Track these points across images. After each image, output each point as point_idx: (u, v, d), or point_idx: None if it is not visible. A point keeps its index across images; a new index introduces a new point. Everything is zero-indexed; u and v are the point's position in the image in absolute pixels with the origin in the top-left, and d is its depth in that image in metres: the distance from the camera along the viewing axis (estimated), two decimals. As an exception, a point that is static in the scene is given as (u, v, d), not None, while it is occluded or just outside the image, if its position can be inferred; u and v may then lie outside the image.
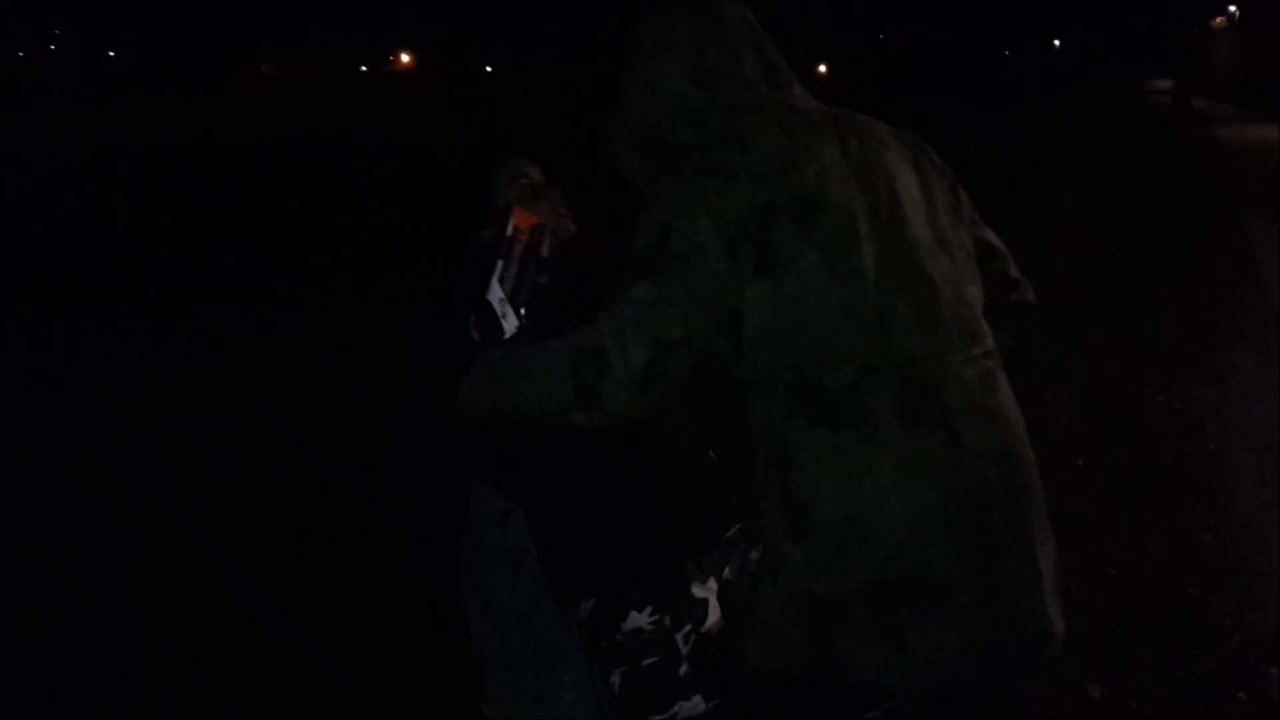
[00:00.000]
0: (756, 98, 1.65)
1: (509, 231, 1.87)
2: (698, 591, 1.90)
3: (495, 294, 1.83)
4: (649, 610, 1.84)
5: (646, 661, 1.83)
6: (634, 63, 1.70)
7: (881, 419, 1.49)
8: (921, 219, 1.60)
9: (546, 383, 1.58)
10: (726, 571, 1.97)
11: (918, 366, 1.51)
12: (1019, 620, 1.52)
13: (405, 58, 61.13)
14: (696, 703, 1.85)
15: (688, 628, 1.87)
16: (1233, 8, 29.01)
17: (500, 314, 1.82)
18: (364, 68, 57.21)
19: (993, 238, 1.80)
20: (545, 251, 1.91)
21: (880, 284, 1.52)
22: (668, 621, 1.85)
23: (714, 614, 1.93)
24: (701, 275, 1.51)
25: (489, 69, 47.63)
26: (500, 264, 1.85)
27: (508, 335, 1.81)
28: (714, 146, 1.58)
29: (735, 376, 1.57)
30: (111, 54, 50.49)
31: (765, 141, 1.56)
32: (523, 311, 1.83)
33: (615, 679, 1.85)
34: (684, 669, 1.85)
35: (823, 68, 41.83)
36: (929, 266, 1.57)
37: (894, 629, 1.48)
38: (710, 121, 1.64)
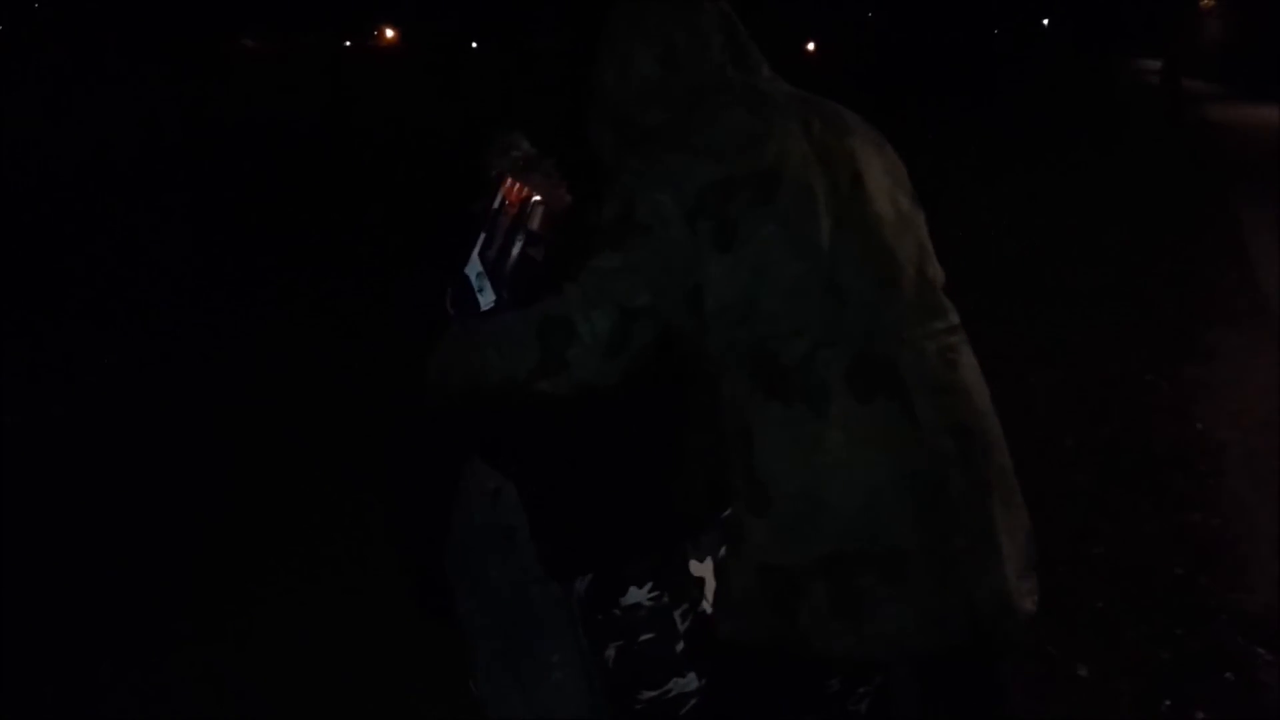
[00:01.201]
0: (723, 79, 1.68)
1: (496, 204, 1.85)
2: (695, 570, 1.89)
3: (474, 268, 1.80)
4: (649, 586, 1.83)
5: (644, 637, 1.83)
6: (608, 45, 1.75)
7: (835, 392, 1.51)
8: (885, 198, 1.64)
9: (513, 350, 1.61)
10: (722, 551, 1.96)
11: (874, 341, 1.54)
12: (977, 595, 1.54)
13: (390, 33, 60.76)
14: (690, 680, 1.85)
15: (685, 605, 1.86)
16: (1221, -13, 29.02)
17: (477, 288, 1.79)
18: (348, 43, 56.85)
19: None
20: (535, 225, 1.88)
21: (838, 259, 1.55)
22: (667, 599, 1.85)
23: (710, 593, 1.92)
24: (664, 244, 1.54)
25: (474, 44, 47.35)
26: (483, 236, 1.82)
27: (484, 309, 1.78)
28: (677, 124, 1.63)
29: (703, 352, 1.60)
30: (94, 35, 50.06)
31: (727, 118, 1.60)
32: (502, 286, 1.80)
33: (610, 653, 1.85)
34: (680, 646, 1.84)
35: (811, 46, 41.75)
36: (891, 243, 1.60)
37: (851, 602, 1.51)
38: (676, 103, 1.67)
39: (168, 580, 3.49)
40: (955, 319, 1.65)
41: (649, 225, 1.54)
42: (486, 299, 1.79)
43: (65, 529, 3.84)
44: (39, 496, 4.08)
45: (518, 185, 1.87)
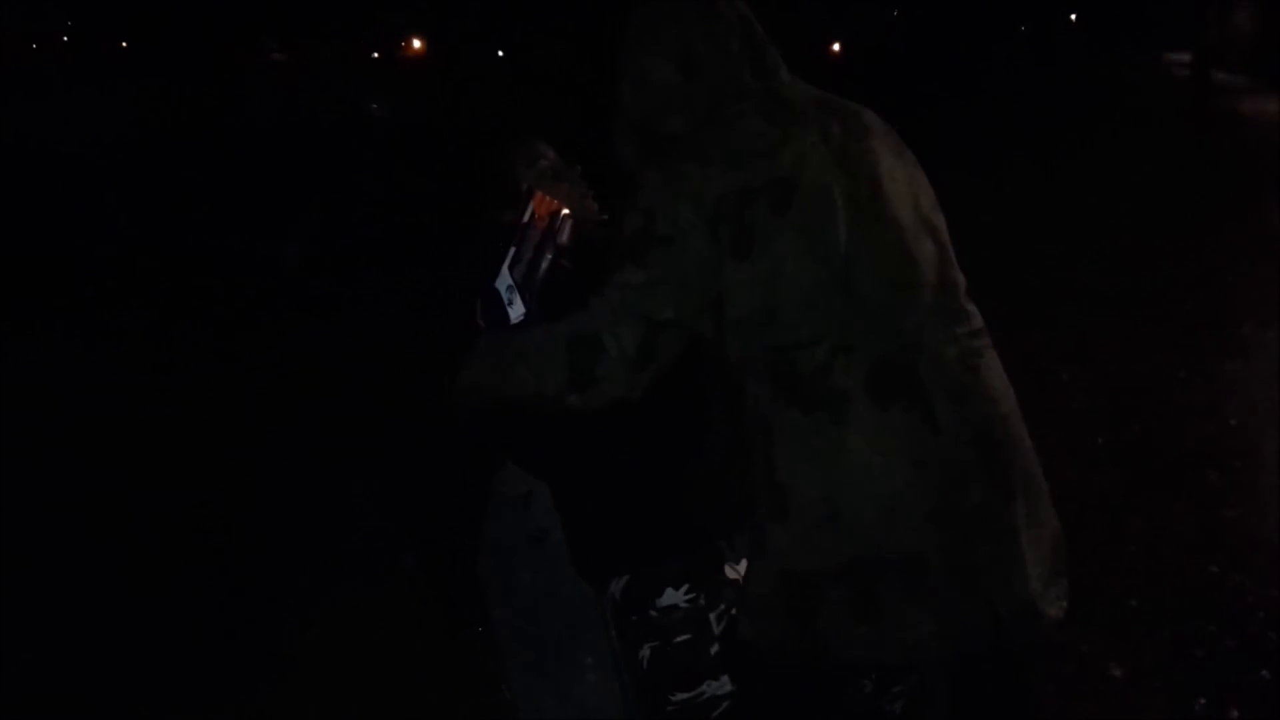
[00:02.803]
0: (741, 86, 1.68)
1: (525, 217, 1.87)
2: (730, 573, 1.90)
3: (504, 281, 1.83)
4: (685, 588, 1.84)
5: (679, 639, 1.84)
6: (627, 56, 1.75)
7: (854, 399, 1.51)
8: (905, 203, 1.63)
9: (542, 366, 1.62)
10: None
11: (893, 346, 1.53)
12: (1000, 602, 1.53)
13: (417, 43, 61.10)
14: (724, 683, 1.85)
15: (721, 608, 1.87)
16: (1252, -22, 28.63)
17: (507, 301, 1.83)
18: (375, 54, 57.21)
19: None
20: (564, 238, 1.90)
21: (856, 264, 1.54)
22: (703, 601, 1.85)
23: None
24: (686, 256, 1.55)
25: (500, 54, 47.49)
26: (512, 250, 1.85)
27: (513, 322, 1.81)
28: (695, 133, 1.63)
29: (725, 359, 1.60)
30: (124, 45, 50.70)
31: (744, 127, 1.60)
32: (531, 299, 1.83)
33: (644, 653, 1.86)
34: (714, 649, 1.85)
35: (836, 46, 41.57)
36: (912, 249, 1.59)
37: (871, 607, 1.51)
38: (696, 110, 1.67)
39: (191, 583, 3.54)
40: (979, 323, 1.64)
41: (670, 237, 1.55)
42: (516, 312, 1.82)
43: (65, 530, 3.90)
44: (39, 497, 4.14)
45: (546, 198, 1.90)
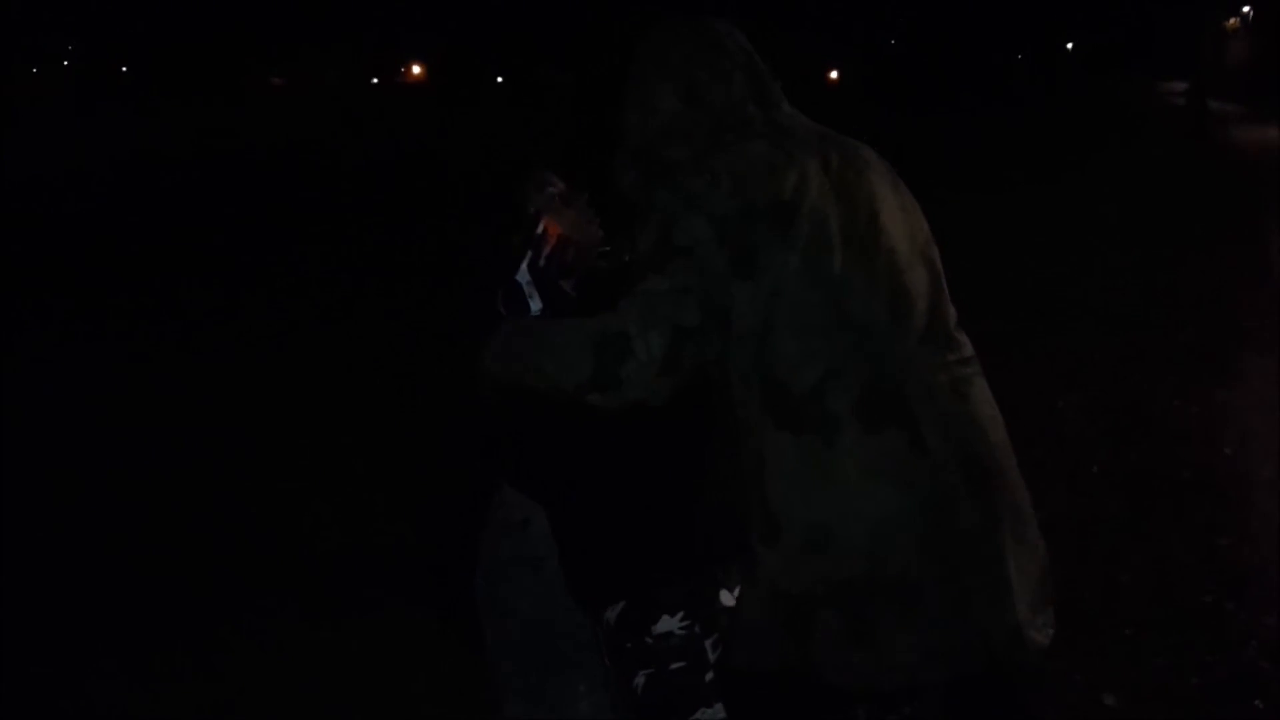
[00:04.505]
0: (744, 115, 1.71)
1: (539, 230, 1.94)
2: (726, 600, 1.90)
3: (524, 276, 1.89)
4: (680, 615, 1.85)
5: (674, 666, 1.84)
6: (633, 85, 1.79)
7: (845, 423, 1.53)
8: (901, 234, 1.66)
9: (567, 361, 1.62)
10: None
11: (884, 372, 1.56)
12: (989, 628, 1.55)
13: (416, 69, 61.40)
14: (718, 710, 1.85)
15: (716, 635, 1.88)
16: (1246, 8, 28.86)
17: (528, 294, 1.89)
18: (375, 79, 57.49)
19: None
20: (569, 259, 1.96)
21: (851, 291, 1.57)
22: (698, 628, 1.86)
23: None
24: (704, 265, 1.56)
25: (500, 79, 47.73)
26: (530, 254, 1.91)
27: (533, 314, 1.88)
28: (699, 158, 1.65)
29: (725, 378, 1.62)
30: (124, 69, 50.94)
31: (748, 150, 1.63)
32: (547, 302, 1.89)
33: (639, 680, 1.86)
34: (709, 676, 1.86)
35: (834, 74, 41.82)
36: (905, 278, 1.62)
37: (863, 631, 1.53)
38: (698, 138, 1.70)
39: (192, 591, 3.54)
40: (969, 351, 1.66)
41: (689, 247, 1.57)
42: (535, 305, 1.88)
43: (66, 531, 3.90)
44: (39, 499, 4.15)
45: (553, 223, 1.95)
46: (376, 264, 8.68)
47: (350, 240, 10.15)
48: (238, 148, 20.17)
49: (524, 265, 1.90)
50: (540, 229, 1.94)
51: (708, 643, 1.86)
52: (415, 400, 4.88)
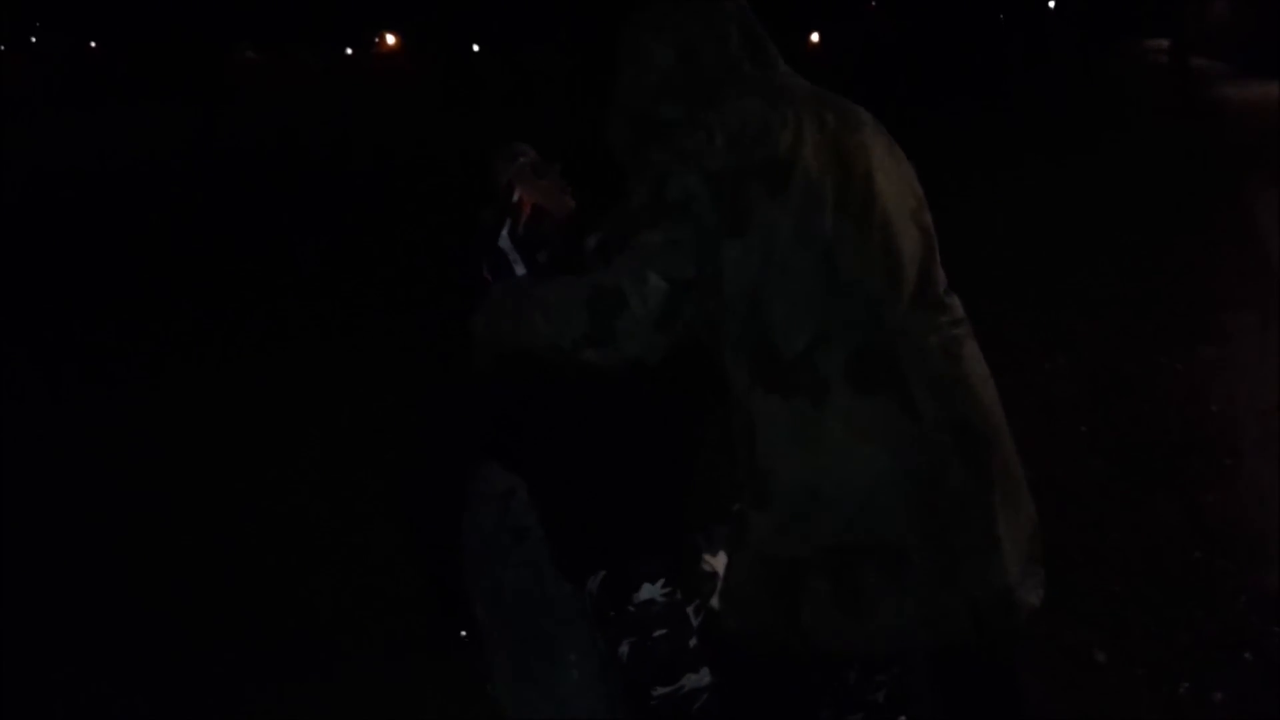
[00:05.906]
0: (740, 74, 1.69)
1: (515, 199, 1.94)
2: (709, 564, 1.90)
3: (505, 242, 1.90)
4: (662, 582, 1.85)
5: (657, 633, 1.85)
6: (628, 43, 1.76)
7: (835, 386, 1.52)
8: (893, 196, 1.64)
9: (562, 317, 1.61)
10: None
11: (875, 334, 1.55)
12: (978, 591, 1.54)
13: (390, 39, 60.72)
14: (703, 675, 1.86)
15: (698, 601, 1.88)
16: (1228, -35, 28.76)
17: (512, 259, 1.89)
18: (349, 50, 56.93)
19: None
20: (546, 228, 1.96)
21: (842, 252, 1.55)
22: (680, 595, 1.86)
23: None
24: (699, 219, 1.55)
25: (475, 48, 47.25)
26: (509, 221, 1.92)
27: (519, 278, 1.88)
28: (694, 114, 1.63)
29: (714, 341, 1.61)
30: (93, 44, 50.21)
31: (744, 107, 1.61)
32: (529, 267, 1.90)
33: (624, 649, 1.86)
34: (693, 642, 1.86)
35: (815, 37, 41.61)
36: (898, 240, 1.61)
37: (852, 595, 1.52)
38: (693, 96, 1.68)
39: (180, 590, 3.52)
40: (960, 313, 1.66)
41: (683, 202, 1.55)
42: (520, 270, 1.89)
43: (66, 533, 3.87)
44: (39, 502, 4.11)
45: (526, 193, 1.94)
46: (376, 264, 8.59)
47: (350, 241, 10.04)
48: (225, 143, 19.76)
49: (504, 232, 1.90)
50: (516, 198, 1.93)
51: (690, 609, 1.87)
52: (415, 400, 4.83)
